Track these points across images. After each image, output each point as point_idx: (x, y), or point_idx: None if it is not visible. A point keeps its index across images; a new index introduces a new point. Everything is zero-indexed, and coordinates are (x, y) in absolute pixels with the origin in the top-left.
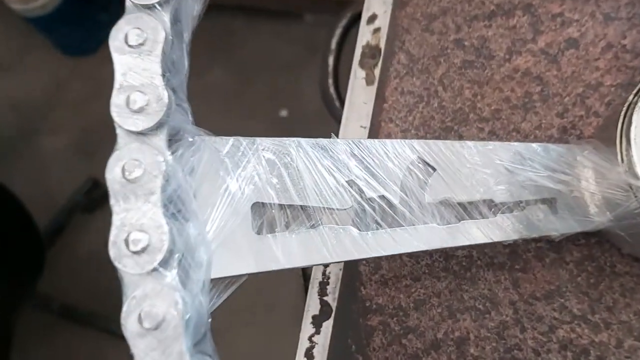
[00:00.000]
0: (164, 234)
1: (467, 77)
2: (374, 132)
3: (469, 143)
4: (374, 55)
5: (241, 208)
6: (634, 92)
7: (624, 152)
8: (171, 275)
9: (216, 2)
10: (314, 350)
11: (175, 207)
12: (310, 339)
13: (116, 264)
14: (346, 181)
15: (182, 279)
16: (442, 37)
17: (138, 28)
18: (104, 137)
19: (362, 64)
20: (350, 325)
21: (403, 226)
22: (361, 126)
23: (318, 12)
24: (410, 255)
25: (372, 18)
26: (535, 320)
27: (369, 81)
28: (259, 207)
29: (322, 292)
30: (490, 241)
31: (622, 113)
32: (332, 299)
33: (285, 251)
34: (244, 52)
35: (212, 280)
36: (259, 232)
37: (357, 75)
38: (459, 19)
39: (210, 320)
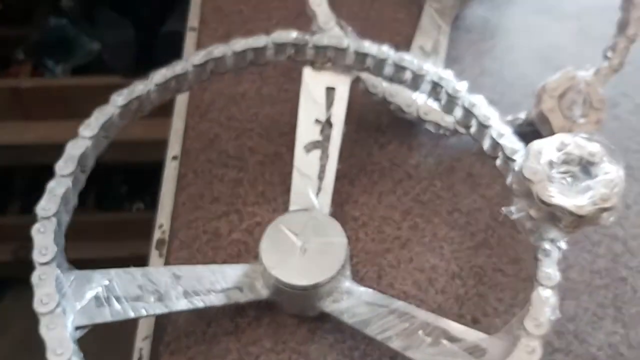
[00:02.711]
0: None
1: None
2: None
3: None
4: (163, 243)
5: None
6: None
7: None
8: None
9: None
10: None
11: None
12: None
13: None
14: None
15: None
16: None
17: None
18: None
19: (157, 248)
20: None
21: None
22: None
23: None
24: (204, 318)
25: (160, 226)
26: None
27: (161, 255)
28: None
29: None
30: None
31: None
32: None
33: None
34: None
35: None
36: None
37: (154, 254)
38: None
39: None
